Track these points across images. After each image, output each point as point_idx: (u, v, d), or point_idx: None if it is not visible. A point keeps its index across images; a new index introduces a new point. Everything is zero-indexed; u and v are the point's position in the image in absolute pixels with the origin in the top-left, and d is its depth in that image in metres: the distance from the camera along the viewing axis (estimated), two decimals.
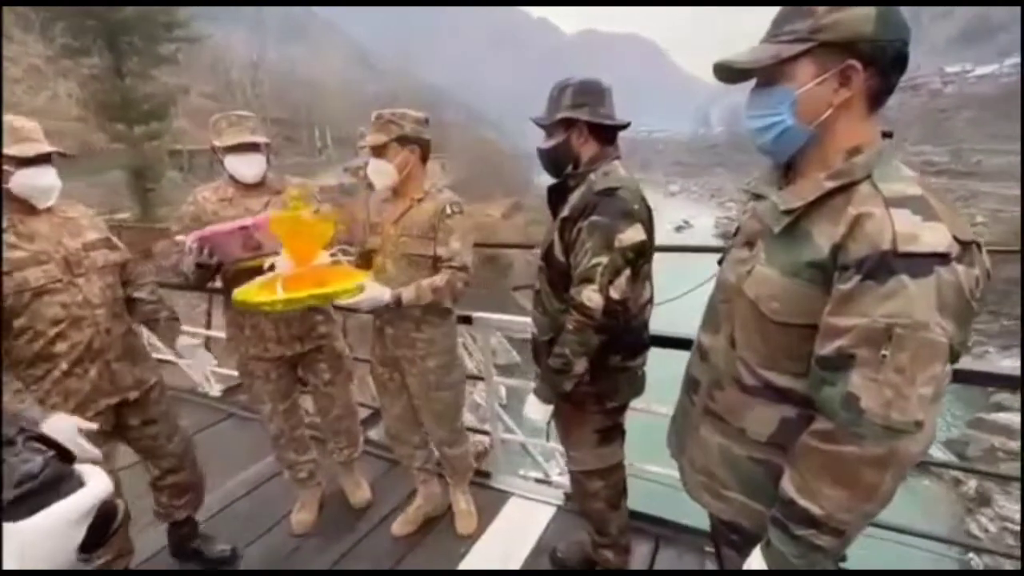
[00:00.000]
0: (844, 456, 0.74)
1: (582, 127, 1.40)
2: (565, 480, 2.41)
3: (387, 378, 1.94)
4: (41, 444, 0.46)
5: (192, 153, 25.70)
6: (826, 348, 0.76)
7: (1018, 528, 9.76)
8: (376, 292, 1.57)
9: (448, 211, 1.70)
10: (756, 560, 0.87)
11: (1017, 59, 56.75)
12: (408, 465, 2.13)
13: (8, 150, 1.35)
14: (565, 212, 1.40)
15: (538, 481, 2.55)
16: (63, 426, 1.35)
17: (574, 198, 1.39)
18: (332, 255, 1.66)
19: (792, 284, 0.82)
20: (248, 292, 1.50)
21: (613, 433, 1.59)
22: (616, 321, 1.34)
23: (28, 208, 1.44)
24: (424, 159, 1.76)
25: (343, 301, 1.54)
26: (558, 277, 1.43)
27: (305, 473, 2.20)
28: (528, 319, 2.11)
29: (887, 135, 0.83)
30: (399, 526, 2.12)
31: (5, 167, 1.36)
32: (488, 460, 2.65)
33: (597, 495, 1.64)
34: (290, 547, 2.11)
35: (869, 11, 0.74)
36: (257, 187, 1.88)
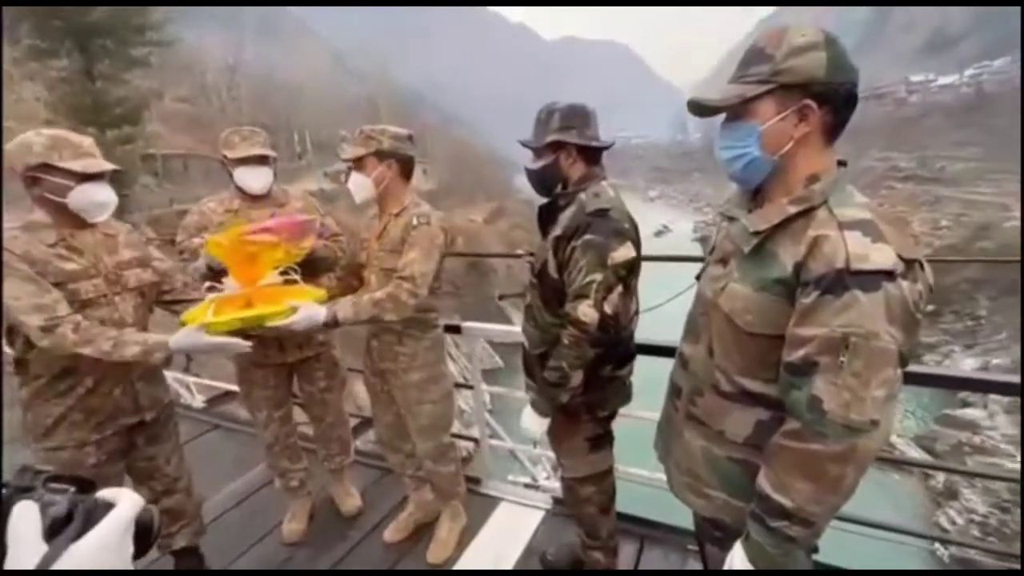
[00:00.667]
0: (811, 453, 0.82)
1: (570, 149, 1.45)
2: (552, 484, 2.47)
3: (379, 388, 1.98)
4: (59, 483, 0.46)
5: (166, 158, 25.08)
6: (792, 356, 0.84)
7: (982, 520, 10.19)
8: (311, 311, 1.52)
9: (414, 223, 1.70)
10: (737, 553, 0.94)
11: (975, 70, 59.47)
12: (400, 473, 2.16)
13: (71, 165, 1.37)
14: (558, 231, 1.44)
15: (527, 486, 2.60)
16: (185, 333, 1.41)
17: (565, 218, 1.45)
18: (283, 274, 1.61)
19: (762, 298, 0.90)
20: (193, 313, 1.48)
21: (603, 440, 1.65)
22: (608, 334, 1.40)
23: (78, 222, 1.45)
24: (405, 175, 1.78)
25: (276, 323, 1.47)
26: (551, 293, 1.48)
27: (296, 482, 2.22)
28: (512, 327, 2.17)
29: (842, 164, 0.92)
30: (391, 533, 2.14)
31: (64, 181, 1.38)
32: (473, 465, 2.69)
33: (589, 500, 1.69)
34: (282, 557, 2.12)
35: (821, 57, 0.83)
36: (263, 199, 1.91)
